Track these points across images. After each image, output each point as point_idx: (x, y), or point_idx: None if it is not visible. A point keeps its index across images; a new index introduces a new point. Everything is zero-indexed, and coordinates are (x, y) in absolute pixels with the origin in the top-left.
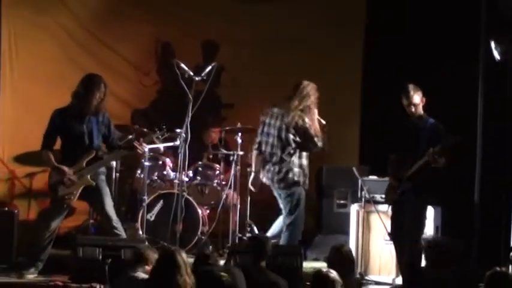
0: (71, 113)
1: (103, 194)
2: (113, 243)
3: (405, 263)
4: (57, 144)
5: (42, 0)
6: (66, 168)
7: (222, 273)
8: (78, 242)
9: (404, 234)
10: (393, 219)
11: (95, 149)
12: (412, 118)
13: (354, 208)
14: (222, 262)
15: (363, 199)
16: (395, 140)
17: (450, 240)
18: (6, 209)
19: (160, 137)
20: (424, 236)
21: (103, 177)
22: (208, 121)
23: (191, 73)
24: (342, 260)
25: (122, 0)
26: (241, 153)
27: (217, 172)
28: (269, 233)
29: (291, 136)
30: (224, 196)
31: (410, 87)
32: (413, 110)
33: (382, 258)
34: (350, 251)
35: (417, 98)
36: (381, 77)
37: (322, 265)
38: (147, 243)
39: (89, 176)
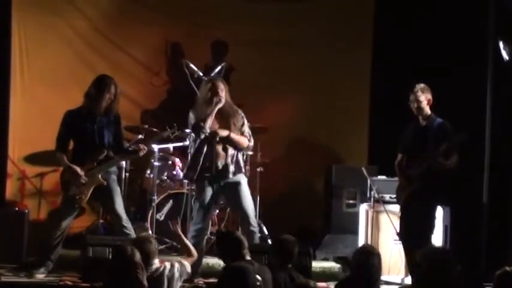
0: (82, 114)
1: (114, 193)
2: (122, 243)
3: (414, 263)
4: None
5: (52, 1)
6: (78, 169)
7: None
8: (88, 241)
9: (413, 234)
10: (402, 219)
11: (106, 148)
12: (420, 117)
13: (363, 208)
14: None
15: (372, 199)
16: (404, 139)
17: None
18: (17, 208)
19: (171, 135)
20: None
21: (114, 176)
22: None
23: (200, 73)
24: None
25: (132, 1)
26: (250, 153)
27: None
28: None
29: None
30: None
31: (420, 85)
32: (415, 106)
33: (391, 258)
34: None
35: (422, 95)
36: (390, 77)
37: (331, 265)
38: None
39: (100, 176)
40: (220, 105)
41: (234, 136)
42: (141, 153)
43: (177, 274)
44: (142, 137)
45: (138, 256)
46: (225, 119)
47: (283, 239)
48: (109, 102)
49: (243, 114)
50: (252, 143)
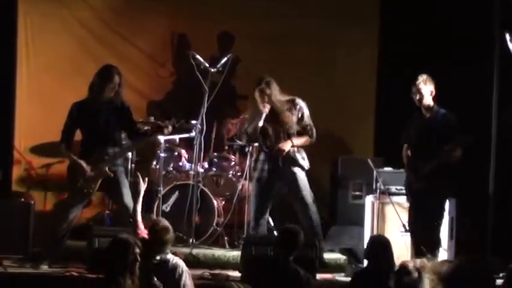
0: (88, 105)
1: (122, 185)
2: (129, 233)
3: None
4: (78, 136)
5: None
6: (85, 164)
7: None
8: (94, 232)
9: (422, 227)
10: (411, 211)
11: (114, 139)
12: (422, 109)
13: (369, 199)
14: (237, 253)
15: (378, 190)
16: (408, 131)
17: None
18: (23, 200)
19: (176, 124)
20: None
21: (122, 168)
22: (225, 112)
23: (207, 64)
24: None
25: None
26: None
27: (233, 163)
28: None
29: None
30: (239, 187)
31: (423, 76)
32: (418, 98)
33: (397, 250)
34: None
35: (424, 87)
36: (396, 68)
37: (337, 256)
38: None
39: (107, 168)
40: (264, 115)
41: (297, 143)
42: (166, 131)
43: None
44: (149, 128)
45: (137, 250)
46: (276, 118)
47: (284, 228)
48: (114, 91)
49: (301, 105)
50: (314, 136)
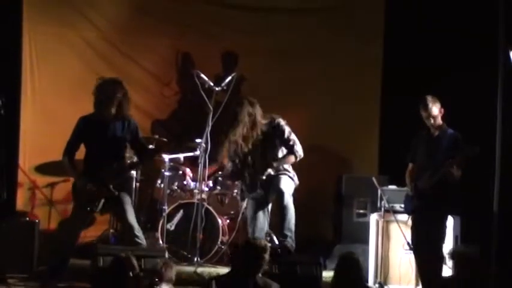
0: (94, 121)
1: (125, 203)
2: (133, 252)
3: (426, 273)
4: (82, 154)
5: (63, 12)
6: (88, 182)
7: None
8: (98, 251)
9: (425, 244)
10: (413, 229)
11: (119, 156)
12: (430, 128)
13: (373, 218)
14: None
15: (383, 209)
16: (415, 149)
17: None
18: (27, 218)
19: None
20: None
21: (126, 186)
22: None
23: (211, 83)
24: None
25: (142, 12)
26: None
27: (237, 182)
28: None
29: None
30: (244, 206)
31: (429, 99)
32: (432, 122)
33: (401, 268)
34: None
35: (435, 109)
36: (400, 85)
37: None
38: (166, 253)
39: (111, 186)
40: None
41: (279, 164)
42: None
43: None
44: (154, 147)
45: (136, 269)
46: (257, 148)
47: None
48: (118, 105)
49: (281, 124)
50: (299, 150)
